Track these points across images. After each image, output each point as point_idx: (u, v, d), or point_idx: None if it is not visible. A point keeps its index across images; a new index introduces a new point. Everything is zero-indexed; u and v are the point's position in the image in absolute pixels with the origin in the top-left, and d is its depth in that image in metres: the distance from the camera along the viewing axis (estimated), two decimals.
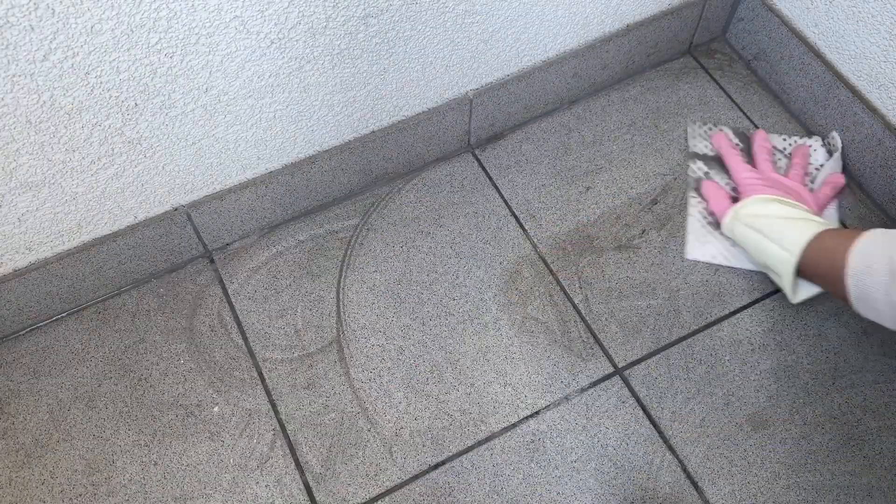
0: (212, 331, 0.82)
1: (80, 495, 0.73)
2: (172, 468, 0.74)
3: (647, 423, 0.77)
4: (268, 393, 0.78)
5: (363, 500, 0.73)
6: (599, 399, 0.78)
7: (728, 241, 0.84)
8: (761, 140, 0.88)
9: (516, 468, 0.75)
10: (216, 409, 0.77)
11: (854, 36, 0.84)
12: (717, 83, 0.99)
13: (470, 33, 0.79)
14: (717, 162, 0.90)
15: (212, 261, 0.86)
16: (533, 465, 0.75)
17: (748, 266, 0.83)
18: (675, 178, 0.91)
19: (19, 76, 0.57)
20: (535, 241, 0.87)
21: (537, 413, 0.77)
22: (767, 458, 0.75)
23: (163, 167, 0.73)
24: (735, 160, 0.86)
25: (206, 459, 0.75)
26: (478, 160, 0.93)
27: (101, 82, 0.61)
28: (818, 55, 0.89)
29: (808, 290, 0.76)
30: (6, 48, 0.55)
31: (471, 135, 0.92)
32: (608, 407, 0.78)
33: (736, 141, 0.91)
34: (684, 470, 0.74)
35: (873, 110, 0.86)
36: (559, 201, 0.90)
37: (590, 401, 0.78)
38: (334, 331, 0.82)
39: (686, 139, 0.93)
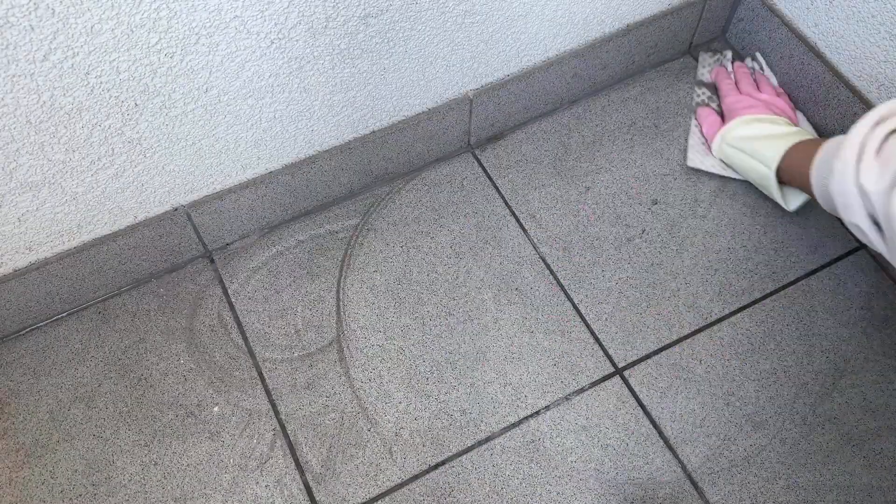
0: (212, 331, 0.82)
1: (80, 495, 0.73)
2: (172, 468, 0.74)
3: (647, 423, 0.77)
4: (268, 393, 0.78)
5: (363, 500, 0.73)
6: (599, 399, 0.78)
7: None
8: (739, 66, 0.96)
9: (516, 468, 0.75)
10: (216, 409, 0.77)
11: (854, 36, 0.84)
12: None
13: (470, 33, 0.79)
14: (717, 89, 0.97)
15: (212, 261, 0.86)
16: (533, 465, 0.75)
17: (741, 177, 0.90)
18: (676, 179, 0.91)
19: (19, 76, 0.57)
20: (535, 241, 0.87)
21: (537, 413, 0.77)
22: (767, 458, 0.75)
23: (163, 167, 0.73)
24: (724, 86, 0.92)
25: (206, 459, 0.75)
26: (478, 160, 0.93)
27: (101, 82, 0.61)
28: (818, 55, 0.89)
29: (798, 198, 0.84)
30: (6, 48, 0.55)
31: (471, 135, 0.92)
32: (608, 407, 0.78)
33: (731, 69, 0.97)
34: (684, 470, 0.74)
35: None
36: (559, 201, 0.90)
37: (590, 401, 0.78)
38: (334, 331, 0.82)
39: (696, 69, 0.99)
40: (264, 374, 0.79)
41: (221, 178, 0.79)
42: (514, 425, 0.77)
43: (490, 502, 0.73)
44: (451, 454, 0.75)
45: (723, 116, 0.91)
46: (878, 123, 0.61)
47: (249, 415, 0.77)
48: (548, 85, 0.92)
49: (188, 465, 0.75)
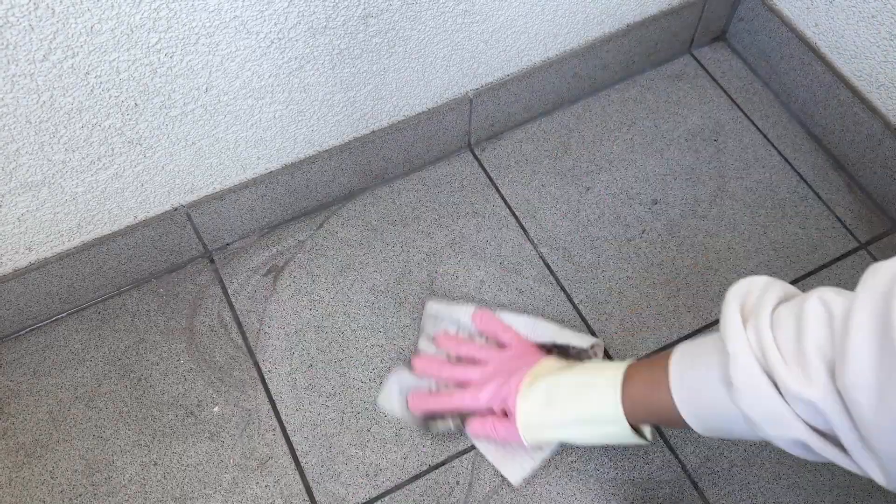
0: (212, 331, 0.82)
1: (80, 495, 0.73)
2: (172, 468, 0.74)
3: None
4: (268, 393, 0.78)
5: (363, 500, 0.73)
6: None
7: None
8: (443, 339, 0.78)
9: None
10: (216, 409, 0.77)
11: (854, 36, 0.84)
12: (717, 83, 0.99)
13: (470, 33, 0.79)
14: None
15: (212, 261, 0.86)
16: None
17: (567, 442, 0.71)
18: (675, 179, 0.91)
19: (19, 76, 0.57)
20: (535, 241, 0.87)
21: None
22: (767, 458, 0.75)
23: (163, 167, 0.73)
24: (454, 401, 0.72)
25: (206, 459, 0.75)
26: (478, 160, 0.93)
27: (100, 82, 0.61)
28: (818, 55, 0.89)
29: (647, 428, 0.65)
30: (6, 48, 0.55)
31: (471, 135, 0.92)
32: None
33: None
34: (684, 470, 0.74)
35: (873, 110, 0.86)
36: (559, 201, 0.90)
37: None
38: (334, 330, 0.82)
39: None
40: (264, 374, 0.79)
41: (221, 178, 0.79)
42: None
43: (490, 502, 0.73)
44: (450, 454, 0.75)
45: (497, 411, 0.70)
46: (744, 317, 0.50)
47: (249, 415, 0.77)
48: (548, 85, 0.92)
49: (188, 465, 0.75)
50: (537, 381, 0.67)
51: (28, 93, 0.59)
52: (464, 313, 0.80)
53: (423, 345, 0.80)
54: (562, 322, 0.82)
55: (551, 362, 0.71)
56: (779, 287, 0.51)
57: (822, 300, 0.46)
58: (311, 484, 0.74)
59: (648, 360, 0.61)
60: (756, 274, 0.52)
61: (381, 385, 0.77)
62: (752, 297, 0.51)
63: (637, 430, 0.63)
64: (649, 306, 0.83)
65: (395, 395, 0.76)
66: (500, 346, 0.76)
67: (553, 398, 0.65)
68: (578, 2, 0.83)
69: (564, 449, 0.75)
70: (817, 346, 0.45)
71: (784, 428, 0.47)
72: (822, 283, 0.84)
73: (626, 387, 0.61)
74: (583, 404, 0.64)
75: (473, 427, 0.72)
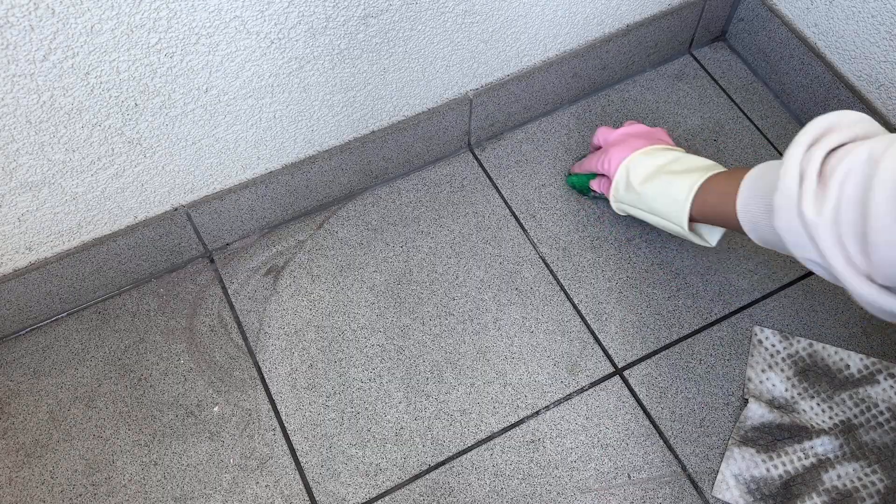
0: (212, 331, 0.82)
1: (80, 495, 0.73)
2: (172, 468, 0.74)
3: (647, 423, 0.77)
4: (268, 393, 0.78)
5: (363, 500, 0.73)
6: (599, 399, 0.78)
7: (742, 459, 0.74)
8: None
9: (516, 468, 0.75)
10: (216, 409, 0.77)
11: (854, 36, 0.84)
12: (717, 83, 0.99)
13: (470, 33, 0.79)
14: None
15: (212, 261, 0.86)
16: (533, 465, 0.75)
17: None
18: None
19: (19, 76, 0.57)
20: (535, 241, 0.87)
21: (537, 413, 0.77)
22: None
23: (163, 167, 0.73)
24: (587, 162, 0.84)
25: (206, 459, 0.75)
26: (478, 160, 0.93)
27: (100, 82, 0.61)
28: (818, 55, 0.89)
29: (717, 232, 0.74)
30: (6, 48, 0.55)
31: (471, 135, 0.92)
32: (608, 407, 0.78)
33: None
34: (684, 470, 0.74)
35: (873, 110, 0.86)
36: (559, 201, 0.90)
37: (590, 401, 0.78)
38: (334, 330, 0.82)
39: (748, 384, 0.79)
40: (264, 374, 0.79)
41: (221, 178, 0.79)
42: (514, 425, 0.77)
43: (490, 502, 0.73)
44: (451, 454, 0.75)
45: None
46: (811, 145, 0.54)
47: (249, 415, 0.77)
48: (548, 85, 0.92)
49: (188, 465, 0.75)
50: (631, 163, 0.76)
51: (28, 93, 0.59)
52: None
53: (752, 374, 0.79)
54: (561, 322, 0.82)
55: (660, 149, 0.77)
56: (864, 126, 0.55)
57: (872, 148, 0.50)
58: (311, 484, 0.74)
59: (728, 172, 0.68)
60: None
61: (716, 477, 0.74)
62: (833, 128, 0.55)
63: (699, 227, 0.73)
64: (649, 306, 0.83)
65: (733, 483, 0.73)
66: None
67: (633, 185, 0.75)
68: (578, 2, 0.83)
69: (564, 449, 0.75)
70: (842, 180, 0.50)
71: (802, 249, 0.54)
72: (822, 283, 0.84)
73: (701, 193, 0.68)
74: (653, 202, 0.73)
75: (592, 182, 0.85)
